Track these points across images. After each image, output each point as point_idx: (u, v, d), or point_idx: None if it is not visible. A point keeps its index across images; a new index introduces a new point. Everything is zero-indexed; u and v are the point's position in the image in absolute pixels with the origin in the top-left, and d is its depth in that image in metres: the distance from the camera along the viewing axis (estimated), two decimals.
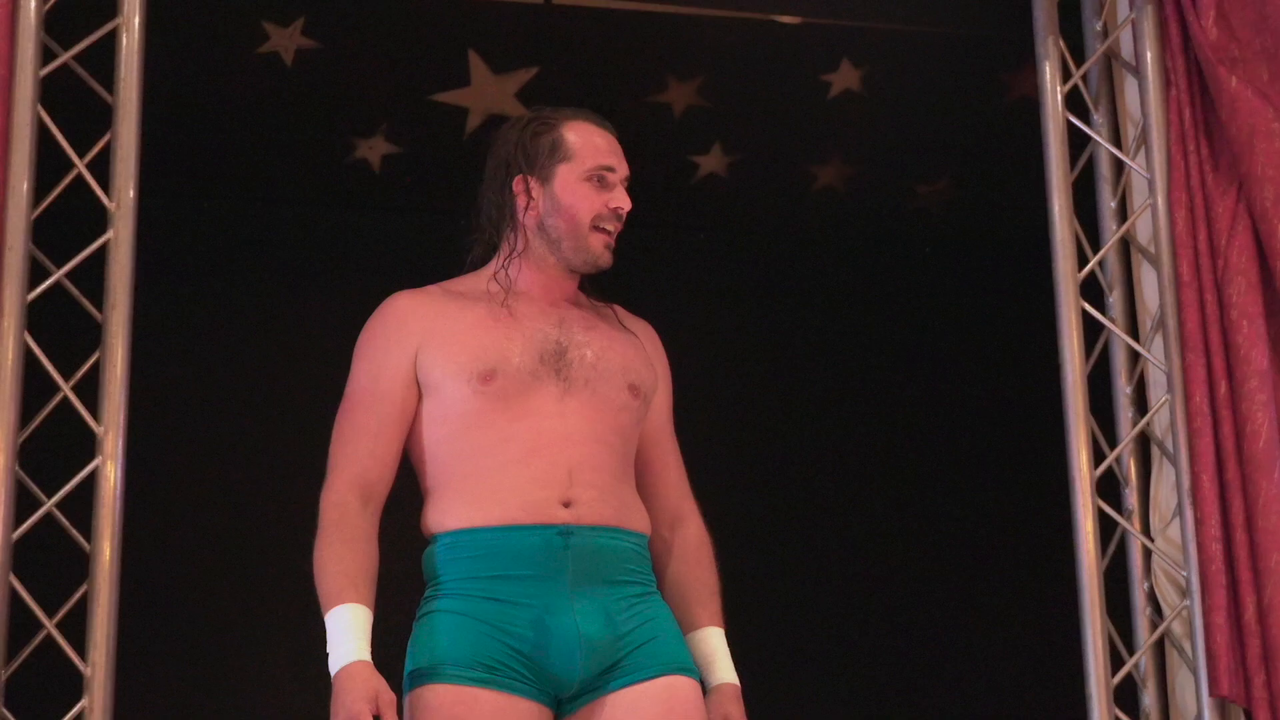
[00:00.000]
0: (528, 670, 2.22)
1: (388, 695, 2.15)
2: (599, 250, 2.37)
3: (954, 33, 4.49)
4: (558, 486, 2.25)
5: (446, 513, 2.29)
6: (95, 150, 3.00)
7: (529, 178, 2.38)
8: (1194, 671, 3.28)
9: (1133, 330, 3.55)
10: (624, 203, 2.37)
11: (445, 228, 4.96)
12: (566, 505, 2.26)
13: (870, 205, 5.59)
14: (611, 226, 2.37)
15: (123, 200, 2.99)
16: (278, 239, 4.75)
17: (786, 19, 4.40)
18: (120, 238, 2.98)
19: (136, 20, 3.05)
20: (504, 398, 2.27)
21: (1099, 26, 3.73)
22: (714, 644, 2.46)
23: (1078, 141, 3.66)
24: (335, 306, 4.79)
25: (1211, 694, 3.22)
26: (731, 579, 2.95)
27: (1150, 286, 3.53)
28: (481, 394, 2.26)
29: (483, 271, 2.47)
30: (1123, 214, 3.65)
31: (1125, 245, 3.60)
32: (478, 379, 2.26)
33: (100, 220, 2.97)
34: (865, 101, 4.88)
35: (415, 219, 4.92)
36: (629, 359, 2.42)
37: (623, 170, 2.40)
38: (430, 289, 2.47)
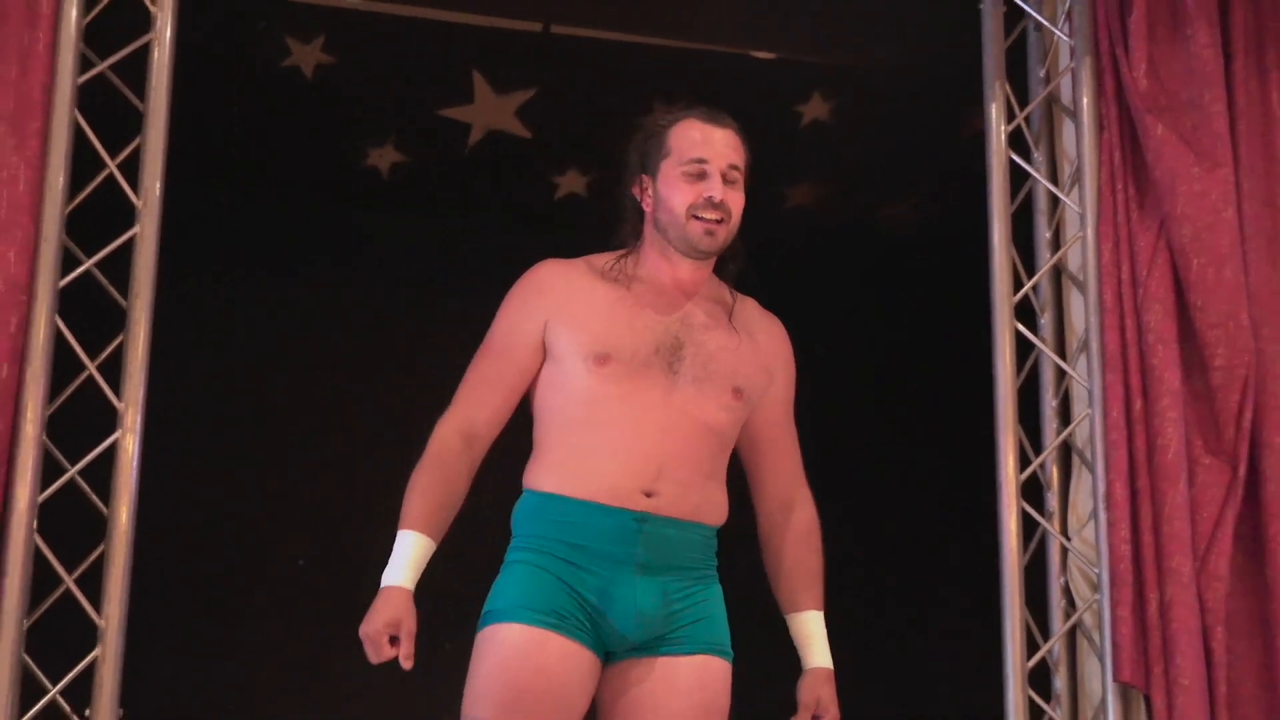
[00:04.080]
0: (589, 624, 2.23)
1: (409, 625, 2.15)
2: (698, 236, 2.28)
3: (916, 72, 4.50)
4: (645, 478, 2.23)
5: (543, 474, 2.28)
6: (126, 152, 3.03)
7: (644, 177, 2.34)
8: (1101, 659, 3.31)
9: (1060, 350, 3.55)
10: (714, 191, 2.26)
11: (448, 230, 5.09)
12: (649, 495, 2.25)
13: (835, 224, 5.58)
14: (708, 214, 2.27)
15: (149, 198, 3.02)
16: (293, 236, 4.76)
17: (762, 54, 4.44)
18: (146, 233, 3.01)
19: (168, 35, 3.07)
20: (615, 381, 2.24)
21: (1042, 73, 3.74)
22: (812, 628, 2.44)
23: (1019, 177, 3.67)
24: (343, 299, 4.87)
25: (1115, 679, 3.25)
26: None
27: (1078, 311, 3.54)
28: (595, 374, 2.24)
29: (625, 254, 2.40)
30: (1056, 244, 3.65)
31: (1057, 273, 3.61)
32: (594, 360, 2.24)
33: (128, 216, 3.00)
34: (834, 131, 4.88)
35: (421, 222, 4.96)
36: (740, 362, 2.35)
37: (720, 161, 2.28)
38: (575, 262, 2.40)
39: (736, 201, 2.31)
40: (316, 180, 4.72)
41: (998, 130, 3.64)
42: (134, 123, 3.03)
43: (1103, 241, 3.49)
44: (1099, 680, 3.32)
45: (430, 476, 2.25)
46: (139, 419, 2.92)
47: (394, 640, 2.15)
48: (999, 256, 3.54)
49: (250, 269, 4.64)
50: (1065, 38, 3.64)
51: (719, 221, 2.26)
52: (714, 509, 2.35)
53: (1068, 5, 3.67)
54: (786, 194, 5.34)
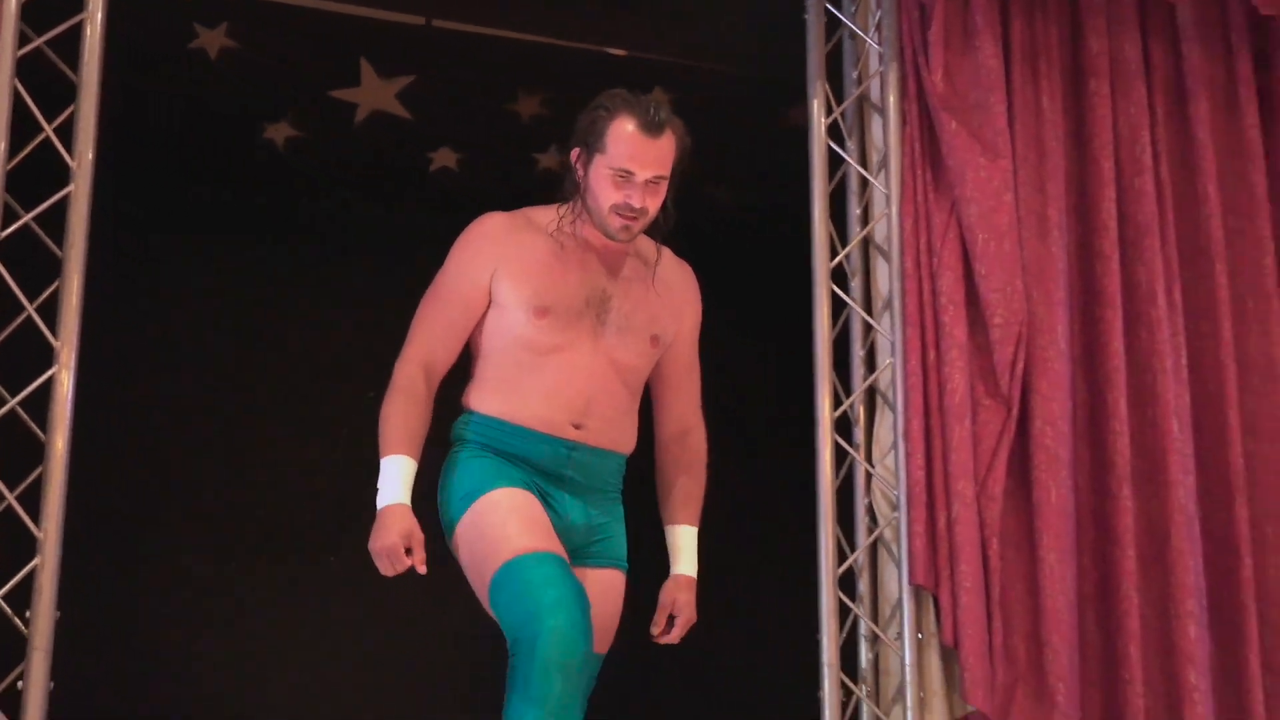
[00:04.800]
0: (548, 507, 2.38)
1: (419, 534, 2.25)
2: (616, 229, 2.36)
3: (746, 71, 4.76)
4: (574, 412, 2.35)
5: (484, 400, 2.40)
6: (61, 118, 3.19)
7: (583, 153, 2.40)
8: (898, 566, 3.58)
9: (868, 308, 3.78)
10: (635, 201, 2.34)
11: (334, 196, 5.28)
12: (578, 427, 2.36)
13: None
14: (626, 214, 2.34)
15: (82, 160, 3.18)
16: (202, 198, 4.89)
17: (614, 50, 4.68)
18: (79, 190, 3.16)
19: (100, 15, 3.25)
20: (551, 331, 2.33)
21: (855, 75, 3.98)
22: (684, 540, 2.55)
23: (835, 162, 3.90)
24: (242, 254, 5.03)
25: (910, 582, 3.56)
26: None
27: (883, 276, 3.77)
28: (535, 324, 2.33)
29: (563, 209, 2.47)
30: (865, 220, 3.88)
31: (866, 244, 3.83)
32: (535, 313, 2.33)
33: (64, 176, 3.16)
34: (680, 114, 5.17)
35: (310, 189, 5.11)
36: (657, 312, 2.46)
37: (645, 173, 2.34)
38: (517, 216, 2.48)
39: (655, 202, 2.39)
40: (218, 150, 4.83)
41: (819, 123, 3.90)
42: (69, 92, 3.19)
43: (904, 218, 3.78)
44: (896, 583, 3.59)
45: (403, 406, 2.35)
46: (73, 356, 3.09)
47: (408, 551, 2.23)
48: (818, 230, 3.80)
49: (166, 225, 4.78)
50: (875, 45, 3.91)
51: (634, 220, 2.36)
52: (628, 441, 2.49)
53: (878, 18, 3.93)
54: None
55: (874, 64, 3.93)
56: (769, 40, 4.32)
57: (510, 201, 5.44)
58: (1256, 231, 4.07)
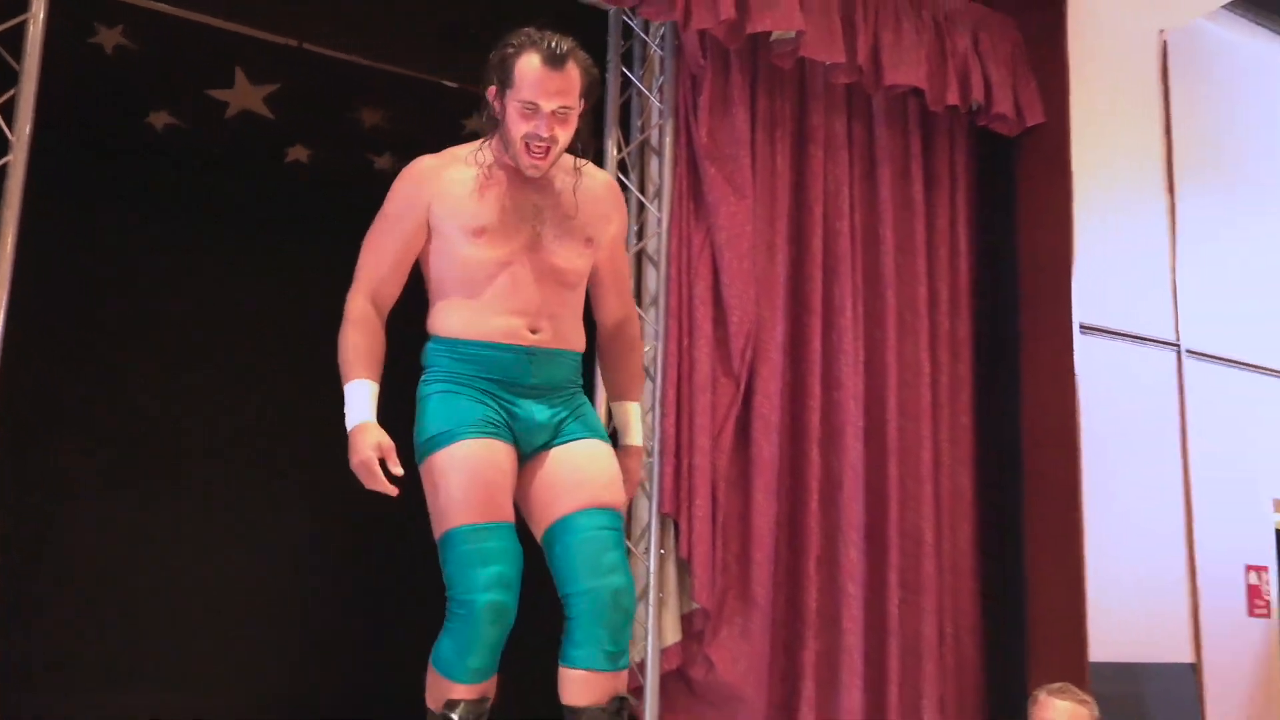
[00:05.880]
0: (508, 429, 2.24)
1: (388, 442, 2.11)
2: (528, 163, 2.19)
3: None
4: (528, 317, 2.21)
5: (445, 322, 2.26)
6: (2, 100, 3.23)
7: (497, 90, 2.22)
8: (649, 499, 3.77)
9: (639, 303, 3.86)
10: (543, 130, 2.16)
11: (204, 178, 5.30)
12: (534, 331, 2.22)
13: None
14: (535, 145, 2.17)
15: (21, 136, 3.21)
16: (96, 169, 4.86)
17: (446, 81, 4.70)
18: (17, 160, 3.18)
19: (41, 15, 3.30)
20: (491, 247, 2.19)
21: (640, 124, 4.23)
22: (630, 416, 2.43)
23: (624, 190, 3.74)
24: (124, 220, 5.03)
25: (658, 510, 3.75)
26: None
27: (652, 279, 3.96)
28: (474, 243, 2.18)
29: (488, 142, 2.29)
30: (640, 236, 4.03)
31: (641, 254, 3.98)
32: (471, 233, 2.18)
33: (3, 149, 3.20)
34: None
35: (183, 170, 5.13)
36: (587, 216, 2.28)
37: (550, 104, 2.14)
38: (444, 155, 2.29)
39: (565, 132, 2.19)
40: (112, 130, 4.79)
41: (611, 158, 4.11)
42: (11, 78, 3.24)
43: (672, 237, 4.03)
44: (647, 511, 3.78)
45: (359, 336, 2.20)
46: (4, 299, 3.14)
47: (382, 462, 2.10)
48: None
49: (85, 192, 4.76)
50: (657, 103, 4.18)
51: (544, 153, 2.18)
52: (579, 339, 2.34)
53: (661, 82, 4.20)
54: (373, 160, 5.44)
55: (655, 117, 4.20)
56: None
57: (348, 193, 5.57)
58: (915, 267, 4.62)
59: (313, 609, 5.40)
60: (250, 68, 4.72)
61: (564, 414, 2.29)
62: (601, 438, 2.33)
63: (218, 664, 5.08)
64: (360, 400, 2.16)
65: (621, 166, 4.20)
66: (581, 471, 2.24)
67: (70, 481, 4.78)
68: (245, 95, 4.84)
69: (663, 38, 4.25)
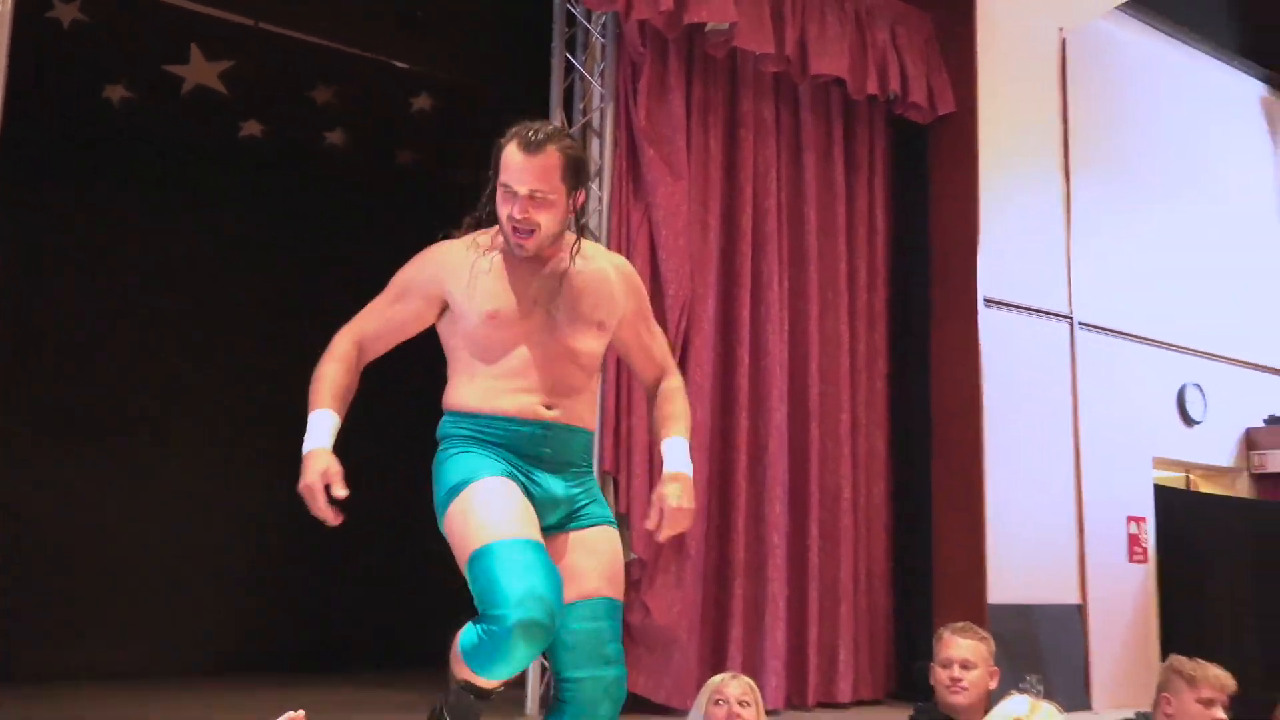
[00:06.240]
0: (528, 493, 2.13)
1: (336, 468, 2.02)
2: (514, 242, 2.12)
3: (497, 91, 4.87)
4: (544, 394, 2.13)
5: (461, 397, 2.18)
6: None
7: (492, 182, 2.14)
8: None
9: None
10: (517, 212, 2.08)
11: (158, 151, 5.23)
12: (549, 408, 2.14)
13: (427, 179, 5.84)
14: (517, 227, 2.10)
15: None
16: (51, 141, 4.79)
17: (399, 63, 4.68)
18: None
19: (7, 7, 3.27)
20: (505, 328, 2.12)
21: (582, 107, 4.29)
22: (671, 448, 2.29)
23: None
24: (79, 188, 4.96)
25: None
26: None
27: None
28: (489, 324, 2.12)
29: (497, 230, 2.18)
30: (583, 213, 3.89)
31: (583, 230, 3.74)
32: (485, 315, 2.11)
33: None
34: (433, 117, 5.30)
35: (139, 143, 5.06)
36: (599, 300, 2.20)
37: (524, 188, 2.08)
38: (463, 241, 2.21)
39: (545, 215, 2.11)
40: (70, 101, 4.72)
41: None
42: None
43: (612, 214, 4.13)
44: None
45: (335, 371, 2.13)
46: None
47: (328, 488, 2.01)
48: None
49: (45, 161, 4.68)
50: (599, 88, 4.25)
51: (528, 234, 2.10)
52: (591, 419, 2.27)
53: (602, 68, 4.27)
54: (395, 155, 5.76)
55: (597, 101, 4.28)
56: (518, 69, 4.59)
57: (303, 165, 5.57)
58: (836, 245, 4.76)
59: (260, 568, 5.42)
60: (206, 45, 4.66)
61: (578, 493, 2.21)
62: (611, 523, 2.25)
63: (170, 619, 5.08)
64: (320, 429, 2.08)
65: None
66: (594, 558, 2.16)
67: (22, 445, 4.74)
68: (200, 71, 4.78)
69: (604, 25, 4.32)
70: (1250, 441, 5.83)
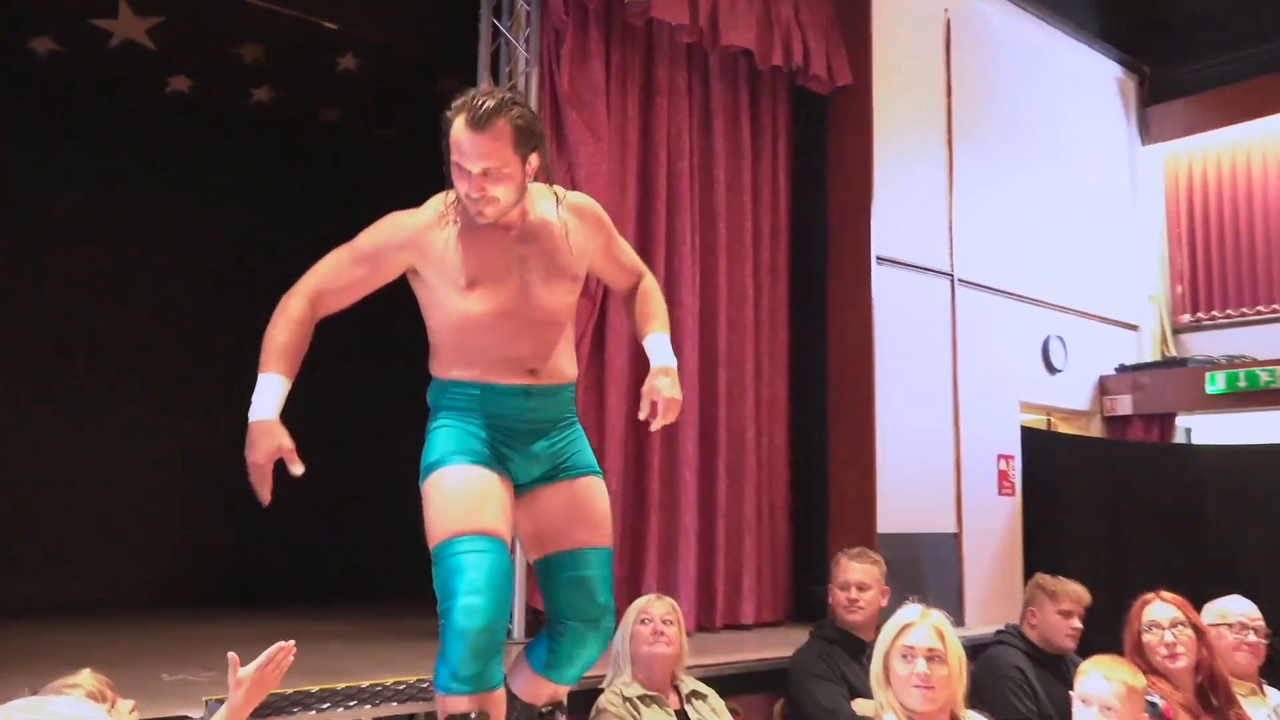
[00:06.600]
0: (501, 463, 2.12)
1: (288, 445, 1.92)
2: (474, 213, 2.02)
3: (420, 51, 4.90)
4: (523, 362, 2.09)
5: (446, 367, 2.13)
6: None
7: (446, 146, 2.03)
8: None
9: None
10: (473, 191, 1.99)
11: (84, 104, 5.05)
12: (532, 372, 2.10)
13: (352, 135, 5.80)
14: (471, 204, 2.02)
15: None
16: None
17: (325, 22, 4.60)
18: None
19: None
20: (484, 298, 2.05)
21: (508, 71, 4.28)
22: (653, 344, 2.27)
23: None
24: (14, 139, 4.77)
25: None
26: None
27: None
28: (468, 296, 2.04)
29: (451, 198, 2.11)
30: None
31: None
32: (463, 288, 2.04)
33: None
34: (357, 77, 5.24)
35: (63, 88, 4.89)
36: (568, 254, 2.12)
37: (475, 166, 1.98)
38: (423, 214, 2.11)
39: (501, 188, 2.00)
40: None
41: None
42: None
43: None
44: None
45: (285, 332, 2.00)
46: None
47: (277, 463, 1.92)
48: None
49: None
50: (524, 53, 4.23)
51: (482, 208, 2.02)
52: (571, 368, 2.22)
53: (527, 33, 4.25)
54: (320, 113, 5.68)
55: (522, 65, 4.28)
56: (442, 33, 4.57)
57: (229, 120, 5.44)
58: (743, 206, 4.86)
59: (192, 506, 5.37)
60: (135, 0, 4.53)
61: (562, 446, 2.17)
62: (595, 473, 2.23)
63: (108, 554, 5.02)
64: (268, 394, 1.95)
65: None
66: (581, 511, 2.14)
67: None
68: (129, 26, 4.64)
69: None
70: (1103, 387, 6.14)
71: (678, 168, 4.65)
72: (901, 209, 5.08)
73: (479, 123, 1.97)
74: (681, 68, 4.74)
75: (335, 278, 2.09)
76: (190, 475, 5.26)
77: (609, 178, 4.35)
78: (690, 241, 4.63)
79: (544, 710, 2.22)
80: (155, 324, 5.24)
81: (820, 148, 5.11)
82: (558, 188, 2.19)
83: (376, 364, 5.69)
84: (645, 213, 4.56)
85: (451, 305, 2.08)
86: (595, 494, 2.20)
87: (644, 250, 4.49)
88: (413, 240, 2.08)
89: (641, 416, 2.17)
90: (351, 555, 5.62)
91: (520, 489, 2.16)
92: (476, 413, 2.10)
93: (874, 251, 4.90)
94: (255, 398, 1.95)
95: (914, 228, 5.15)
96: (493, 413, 2.10)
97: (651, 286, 2.33)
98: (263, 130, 5.56)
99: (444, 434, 2.10)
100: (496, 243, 2.07)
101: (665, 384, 2.16)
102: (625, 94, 4.51)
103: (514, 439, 2.12)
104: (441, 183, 2.09)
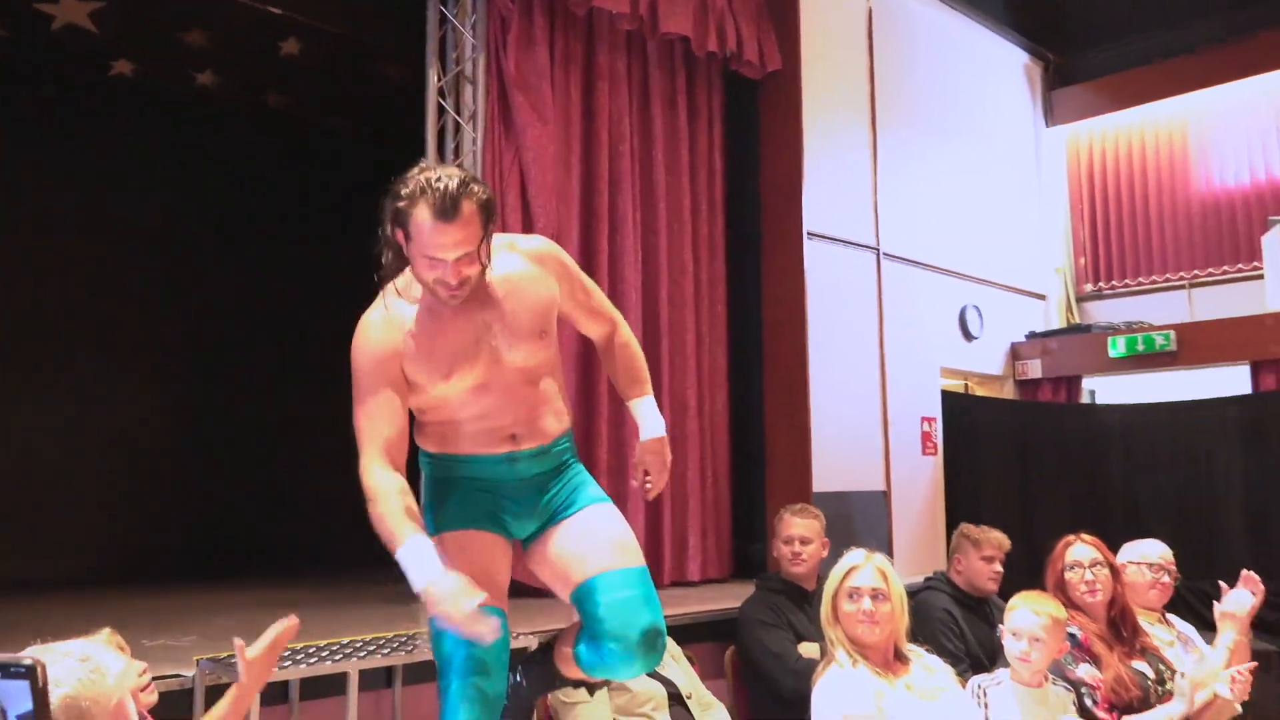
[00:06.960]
0: (493, 522, 2.07)
1: (472, 590, 1.76)
2: (445, 298, 1.90)
3: (365, 37, 4.95)
4: (506, 428, 2.00)
5: (429, 442, 2.07)
6: None
7: (400, 233, 1.88)
8: None
9: None
10: (450, 278, 1.87)
11: (27, 81, 4.92)
12: (513, 438, 2.01)
13: (302, 126, 5.78)
14: (445, 290, 1.89)
15: None
16: None
17: (273, 9, 4.53)
18: None
19: None
20: (460, 379, 1.94)
21: (455, 56, 4.34)
22: (642, 410, 2.19)
23: (441, 112, 4.26)
24: None
25: None
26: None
27: None
28: (445, 385, 1.95)
29: (407, 279, 1.97)
30: (458, 153, 4.28)
31: (459, 168, 4.23)
32: (442, 379, 1.94)
33: None
34: (300, 61, 5.21)
35: (6, 74, 4.80)
36: (533, 311, 2.00)
37: (450, 256, 1.85)
38: (390, 305, 1.97)
39: (474, 268, 1.89)
40: None
41: (433, 85, 4.25)
42: None
43: (486, 155, 4.23)
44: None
45: (387, 505, 1.86)
46: None
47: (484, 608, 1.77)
48: (430, 157, 4.13)
49: None
50: (471, 39, 4.30)
51: (457, 292, 1.90)
52: (560, 424, 2.10)
53: (474, 19, 4.32)
54: (267, 98, 5.63)
55: (469, 51, 4.34)
56: (384, 19, 4.61)
57: (172, 105, 5.36)
58: (680, 183, 4.98)
59: (145, 483, 5.33)
60: None
61: (558, 490, 2.08)
62: (602, 501, 2.10)
63: (53, 533, 4.96)
64: (420, 559, 1.80)
65: (440, 94, 4.32)
66: (591, 538, 2.03)
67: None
68: (71, 10, 4.54)
69: None
70: (1015, 353, 6.40)
71: (619, 149, 4.75)
72: (829, 187, 5.24)
73: (447, 213, 1.83)
74: (621, 53, 4.83)
75: (374, 425, 1.94)
76: (126, 449, 5.22)
77: (555, 158, 4.43)
78: (632, 219, 4.74)
79: (540, 648, 2.26)
80: (97, 302, 5.16)
81: (753, 130, 5.24)
82: (515, 236, 2.10)
83: (338, 338, 5.67)
84: (589, 192, 4.66)
85: (432, 391, 1.98)
86: (606, 519, 2.07)
87: (589, 228, 4.62)
88: (388, 348, 1.96)
89: (634, 485, 2.16)
90: (306, 527, 5.62)
91: (526, 541, 2.11)
92: (464, 477, 2.06)
93: (805, 227, 5.05)
94: (412, 571, 1.79)
95: (841, 205, 5.31)
96: (480, 476, 2.05)
97: (628, 339, 2.23)
98: (206, 114, 5.49)
99: (443, 497, 2.07)
100: (460, 316, 1.96)
101: (659, 458, 2.16)
102: (569, 78, 4.59)
103: (507, 499, 2.06)
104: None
